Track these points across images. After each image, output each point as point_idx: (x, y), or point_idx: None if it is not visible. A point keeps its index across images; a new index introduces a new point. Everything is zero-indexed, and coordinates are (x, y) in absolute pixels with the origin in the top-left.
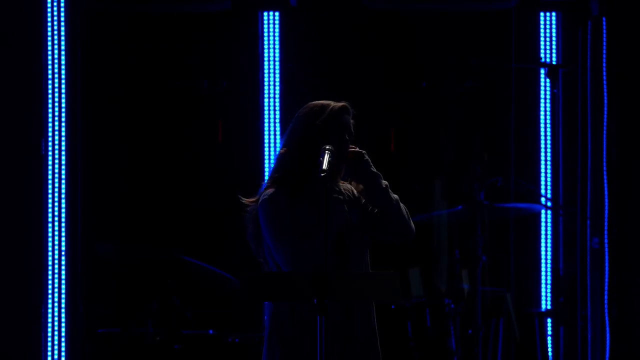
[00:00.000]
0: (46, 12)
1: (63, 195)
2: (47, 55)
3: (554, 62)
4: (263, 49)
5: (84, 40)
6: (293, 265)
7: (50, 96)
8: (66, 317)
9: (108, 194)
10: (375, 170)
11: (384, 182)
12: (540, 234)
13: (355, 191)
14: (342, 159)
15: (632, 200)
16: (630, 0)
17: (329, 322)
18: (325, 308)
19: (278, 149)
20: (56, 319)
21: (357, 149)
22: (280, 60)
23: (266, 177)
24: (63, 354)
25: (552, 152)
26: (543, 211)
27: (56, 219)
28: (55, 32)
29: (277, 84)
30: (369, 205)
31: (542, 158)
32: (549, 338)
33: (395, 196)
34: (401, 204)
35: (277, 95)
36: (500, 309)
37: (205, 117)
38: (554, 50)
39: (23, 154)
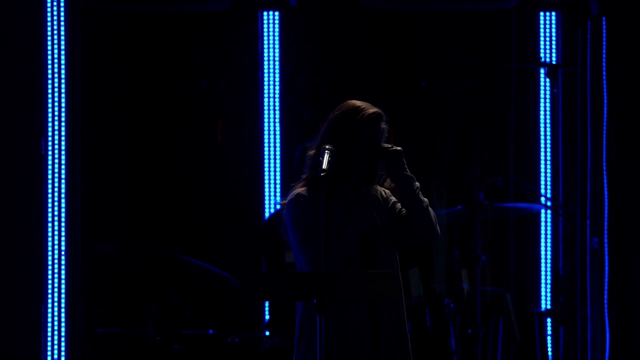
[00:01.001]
0: (46, 12)
1: (63, 195)
2: (47, 55)
3: (553, 62)
4: (263, 48)
5: (84, 40)
6: (314, 267)
7: (50, 96)
8: (66, 317)
9: (108, 194)
10: (409, 172)
11: (417, 184)
12: (540, 234)
13: (384, 192)
14: (372, 163)
15: (632, 200)
16: (629, 0)
17: (356, 324)
18: (325, 308)
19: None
20: (56, 318)
21: (395, 147)
22: (280, 60)
23: (266, 177)
24: (63, 353)
25: (551, 152)
26: (543, 211)
27: (56, 218)
28: (55, 32)
29: (277, 83)
30: (397, 207)
31: (542, 158)
32: (549, 338)
33: (426, 200)
34: (430, 208)
35: (276, 95)
36: (500, 308)
37: (205, 117)
38: (553, 50)
39: (23, 153)
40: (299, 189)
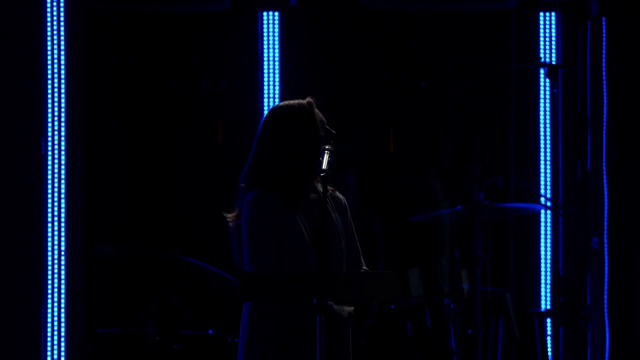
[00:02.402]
0: (46, 12)
1: (63, 195)
2: (46, 55)
3: (553, 62)
4: (262, 48)
5: (84, 40)
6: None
7: (50, 96)
8: (66, 317)
9: (108, 194)
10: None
11: None
12: (539, 234)
13: (344, 201)
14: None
15: (632, 200)
16: (629, 0)
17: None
18: (324, 308)
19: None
20: (56, 319)
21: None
22: (280, 60)
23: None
24: (63, 354)
25: (551, 152)
26: (542, 211)
27: (56, 219)
28: (55, 32)
29: (277, 84)
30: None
31: (542, 158)
32: (549, 338)
33: None
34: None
35: (276, 95)
36: (499, 308)
37: (205, 117)
38: (553, 50)
39: (23, 154)
40: (258, 192)
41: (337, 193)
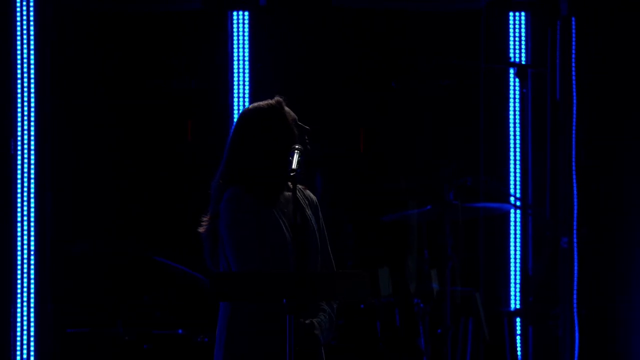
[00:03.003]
0: (15, 11)
1: (32, 195)
2: (16, 54)
3: (523, 62)
4: (232, 48)
5: (54, 39)
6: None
7: (19, 95)
8: (35, 317)
9: (78, 194)
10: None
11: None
12: (509, 234)
13: (315, 199)
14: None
15: (601, 200)
16: (599, 0)
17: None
18: (294, 307)
19: (225, 153)
20: (25, 318)
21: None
22: (250, 60)
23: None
24: (32, 353)
25: (521, 152)
26: (512, 211)
27: (25, 218)
28: (25, 31)
29: (247, 83)
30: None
31: (512, 158)
32: (518, 337)
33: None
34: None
35: (246, 95)
36: (469, 308)
37: (175, 116)
38: (523, 50)
39: None
40: (235, 189)
41: (308, 192)
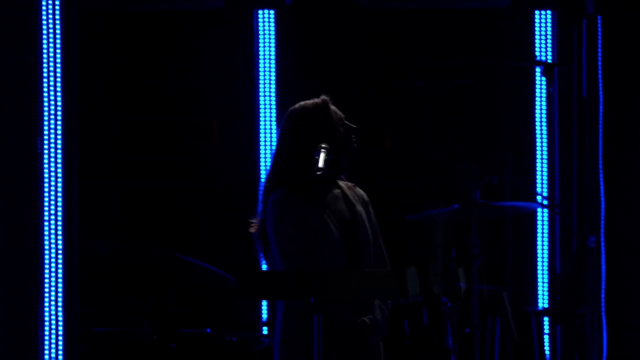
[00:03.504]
0: (41, 11)
1: (60, 194)
2: (42, 53)
3: (549, 61)
4: (258, 47)
5: (80, 39)
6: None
7: (45, 95)
8: (63, 316)
9: (105, 193)
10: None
11: None
12: (536, 233)
13: (365, 196)
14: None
15: (628, 199)
16: None
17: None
18: (321, 307)
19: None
20: (53, 318)
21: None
22: (276, 59)
23: (262, 176)
24: (60, 353)
25: (548, 151)
26: (539, 210)
27: (52, 218)
28: (51, 31)
29: (273, 82)
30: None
31: (538, 157)
32: (546, 337)
33: None
34: None
35: (272, 94)
36: (497, 307)
37: (201, 116)
38: (549, 49)
39: (19, 153)
40: (281, 192)
41: (359, 189)
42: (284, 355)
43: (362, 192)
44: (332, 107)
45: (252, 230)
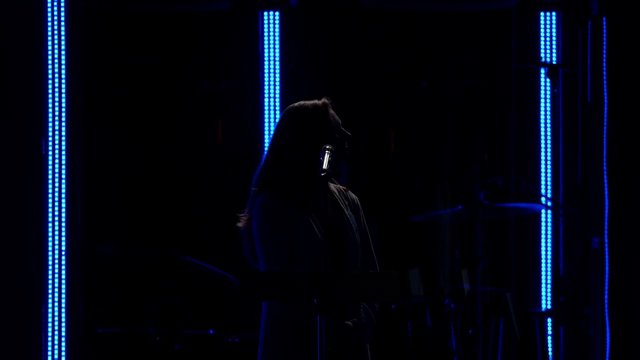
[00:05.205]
0: (46, 11)
1: (63, 195)
2: (47, 54)
3: (554, 62)
4: (263, 48)
5: (84, 39)
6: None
7: (50, 96)
8: (66, 317)
9: (108, 194)
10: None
11: None
12: (540, 234)
13: (356, 200)
14: (344, 157)
15: (632, 200)
16: (630, 0)
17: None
18: (325, 308)
19: (266, 151)
20: (56, 318)
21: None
22: (281, 60)
23: None
24: (63, 353)
25: (552, 152)
26: (543, 211)
27: (56, 218)
28: (56, 31)
29: (278, 83)
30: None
31: (542, 158)
32: (549, 338)
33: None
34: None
35: (277, 95)
36: (500, 308)
37: (206, 117)
38: (554, 50)
39: (23, 153)
40: (268, 195)
41: (350, 192)
42: (268, 356)
43: (353, 195)
44: (331, 111)
45: (240, 225)
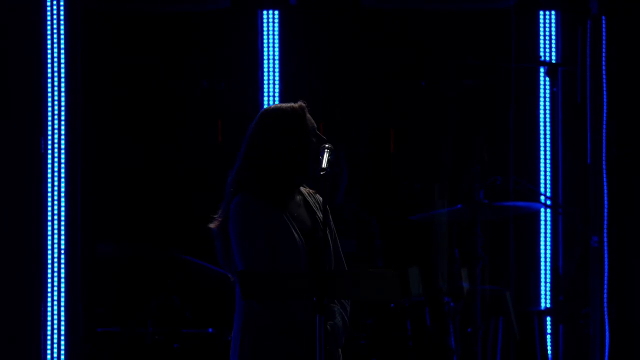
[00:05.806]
0: (46, 10)
1: (63, 194)
2: (46, 53)
3: (553, 61)
4: (262, 47)
5: (84, 39)
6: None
7: (49, 94)
8: (66, 316)
9: (108, 193)
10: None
11: None
12: (539, 233)
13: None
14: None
15: (631, 199)
16: None
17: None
18: (324, 307)
19: (241, 152)
20: (56, 318)
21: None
22: (280, 59)
23: None
24: (62, 353)
25: (551, 151)
26: (542, 210)
27: (56, 217)
28: (55, 30)
29: (277, 82)
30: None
31: (542, 157)
32: (549, 337)
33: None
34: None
35: (276, 94)
36: (499, 307)
37: (205, 116)
38: (553, 49)
39: (22, 152)
40: (245, 196)
41: (318, 196)
42: (243, 355)
43: (320, 198)
44: (308, 115)
45: (212, 226)
